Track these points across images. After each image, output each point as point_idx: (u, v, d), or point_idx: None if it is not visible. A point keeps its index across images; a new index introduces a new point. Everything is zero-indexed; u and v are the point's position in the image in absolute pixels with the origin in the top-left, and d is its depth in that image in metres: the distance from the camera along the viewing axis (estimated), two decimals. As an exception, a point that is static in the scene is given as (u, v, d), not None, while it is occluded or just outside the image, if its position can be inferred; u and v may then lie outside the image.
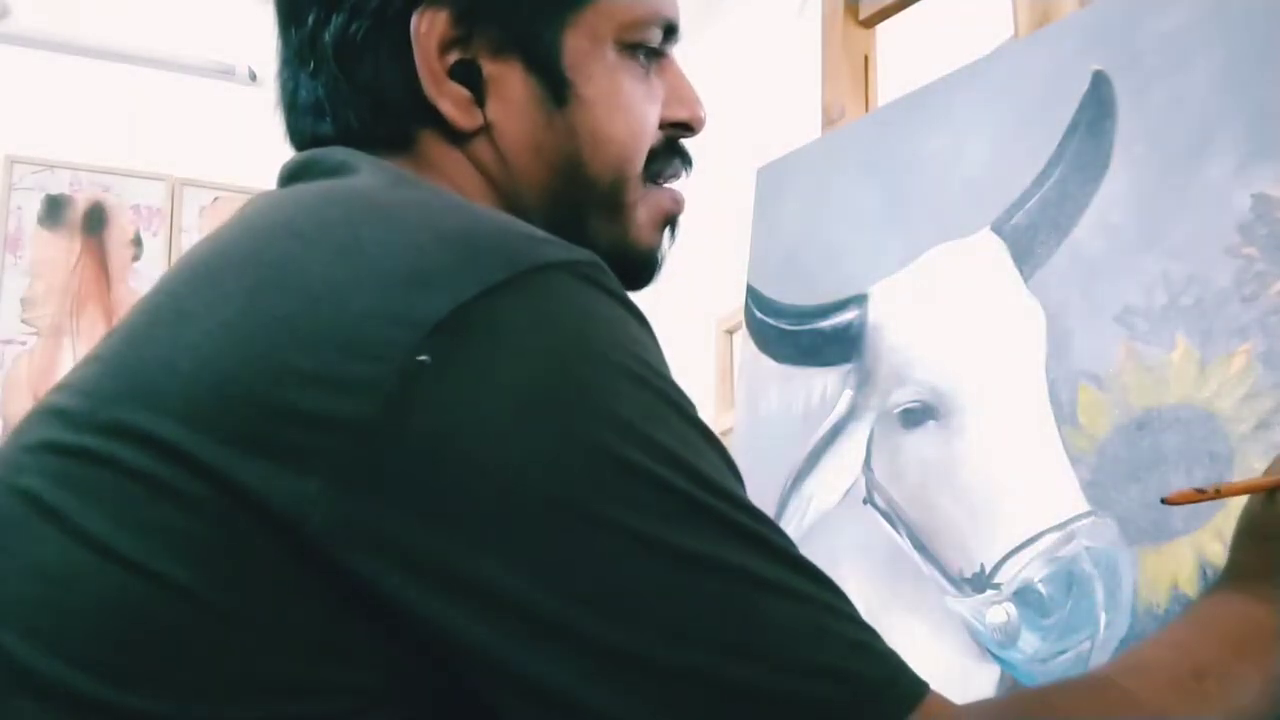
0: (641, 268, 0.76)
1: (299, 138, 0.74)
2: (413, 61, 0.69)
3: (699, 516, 0.54)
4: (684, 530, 0.53)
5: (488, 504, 0.52)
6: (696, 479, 0.55)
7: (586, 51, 0.72)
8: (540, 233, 0.60)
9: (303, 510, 0.52)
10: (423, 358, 0.52)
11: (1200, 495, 0.71)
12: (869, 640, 0.55)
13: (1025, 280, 1.01)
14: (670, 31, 0.76)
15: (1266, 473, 0.71)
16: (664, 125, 0.76)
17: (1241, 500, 0.72)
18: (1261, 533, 0.69)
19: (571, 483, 0.53)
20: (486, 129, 0.71)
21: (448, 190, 0.68)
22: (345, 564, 0.52)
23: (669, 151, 0.77)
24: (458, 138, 0.71)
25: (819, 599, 0.55)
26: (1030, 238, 1.01)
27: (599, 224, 0.73)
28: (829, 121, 1.36)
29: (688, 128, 0.78)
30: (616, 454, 0.53)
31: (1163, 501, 0.71)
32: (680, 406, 0.57)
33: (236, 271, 0.59)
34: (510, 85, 0.71)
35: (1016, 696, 0.66)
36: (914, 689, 0.55)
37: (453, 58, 0.70)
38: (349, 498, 0.52)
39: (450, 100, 0.70)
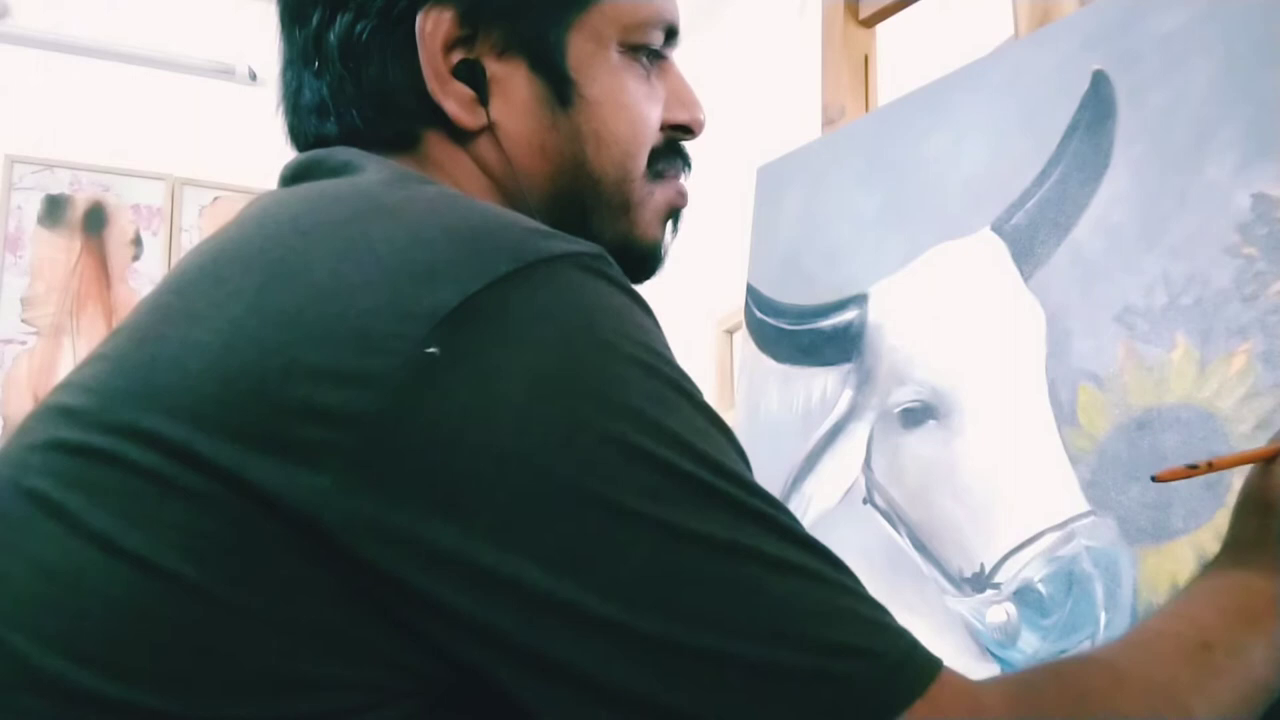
0: (645, 261, 0.77)
1: (302, 138, 0.74)
2: (417, 61, 0.69)
3: (711, 500, 0.54)
4: (697, 514, 0.54)
5: (500, 494, 0.52)
6: (707, 463, 0.55)
7: (590, 53, 0.72)
8: (545, 227, 0.60)
9: (316, 506, 0.52)
10: (432, 350, 0.53)
11: (1192, 471, 0.70)
12: (884, 618, 0.56)
13: (1025, 280, 1.01)
14: (671, 34, 0.77)
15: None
16: (664, 127, 0.77)
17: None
18: (1258, 503, 0.69)
19: (583, 470, 0.53)
20: (490, 128, 0.71)
21: (452, 188, 0.69)
22: (362, 558, 0.52)
23: (670, 152, 0.78)
24: (462, 137, 0.71)
25: (832, 578, 0.56)
26: (1030, 238, 1.01)
27: (603, 221, 0.74)
28: (829, 121, 1.37)
29: (688, 130, 0.78)
30: (627, 441, 0.53)
31: (1152, 479, 0.71)
32: (688, 393, 0.57)
33: (243, 270, 0.59)
34: (514, 85, 0.71)
35: (1027, 672, 0.66)
36: (930, 665, 0.55)
37: (457, 57, 0.70)
38: (362, 492, 0.52)
39: (454, 99, 0.70)
